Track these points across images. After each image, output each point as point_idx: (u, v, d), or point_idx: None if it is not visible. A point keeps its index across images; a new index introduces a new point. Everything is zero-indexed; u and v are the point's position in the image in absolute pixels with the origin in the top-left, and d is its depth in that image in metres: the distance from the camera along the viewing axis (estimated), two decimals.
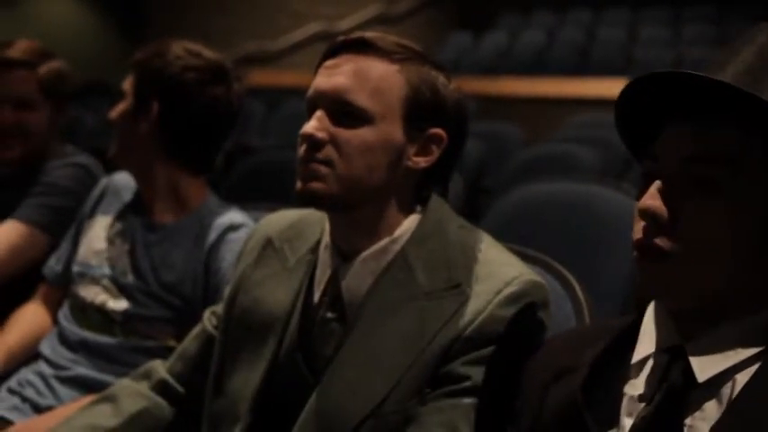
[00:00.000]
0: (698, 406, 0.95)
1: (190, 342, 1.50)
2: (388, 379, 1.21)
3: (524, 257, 1.36)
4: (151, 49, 1.87)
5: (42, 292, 2.06)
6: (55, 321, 1.97)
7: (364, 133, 1.25)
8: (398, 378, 1.20)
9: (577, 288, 1.45)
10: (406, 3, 11.24)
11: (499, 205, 2.44)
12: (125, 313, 1.82)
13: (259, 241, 1.44)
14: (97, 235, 1.93)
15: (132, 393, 1.47)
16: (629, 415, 1.00)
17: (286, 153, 3.36)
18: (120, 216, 1.93)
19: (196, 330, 1.51)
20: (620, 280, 2.04)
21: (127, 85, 1.87)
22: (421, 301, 1.23)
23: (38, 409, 1.81)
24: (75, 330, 1.86)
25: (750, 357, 0.95)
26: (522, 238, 1.62)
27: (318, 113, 1.26)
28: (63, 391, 1.82)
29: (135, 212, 1.92)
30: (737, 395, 0.93)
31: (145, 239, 1.87)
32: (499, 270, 1.25)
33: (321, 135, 1.25)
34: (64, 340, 1.88)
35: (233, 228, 1.82)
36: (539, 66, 8.82)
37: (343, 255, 1.30)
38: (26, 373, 1.89)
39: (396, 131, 1.27)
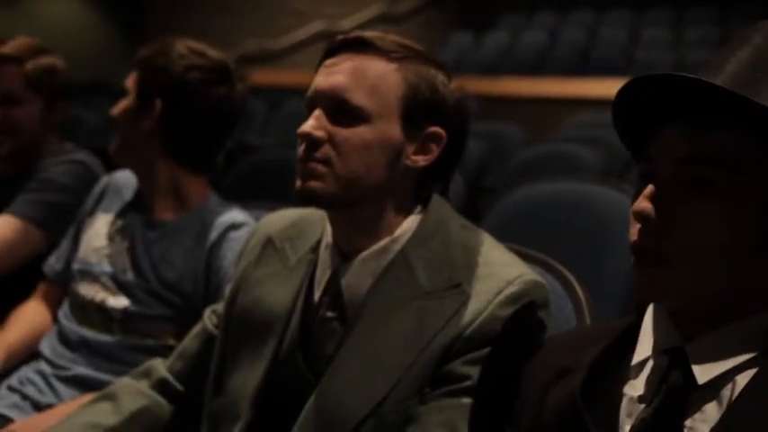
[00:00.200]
0: (698, 407, 0.95)
1: (190, 341, 1.50)
2: (388, 378, 1.20)
3: (525, 257, 1.36)
4: (155, 46, 1.87)
5: (42, 290, 2.06)
6: (55, 320, 1.97)
7: (362, 132, 1.25)
8: (399, 377, 1.20)
9: (578, 288, 1.45)
10: (407, 2, 11.24)
11: (500, 205, 2.44)
12: (125, 311, 1.82)
13: (260, 240, 1.44)
14: (97, 233, 1.93)
15: (132, 392, 1.47)
16: (629, 416, 1.00)
17: (287, 152, 3.36)
18: (121, 214, 1.93)
19: (197, 329, 1.51)
20: (620, 280, 2.04)
21: (130, 82, 1.87)
22: (422, 301, 1.23)
23: (38, 407, 1.80)
24: (75, 329, 1.86)
25: (750, 359, 0.95)
26: (522, 238, 1.61)
27: (316, 112, 1.27)
28: (63, 389, 1.82)
29: (135, 210, 1.92)
30: (738, 397, 0.93)
31: (145, 237, 1.87)
32: (500, 270, 1.25)
33: (319, 134, 1.25)
34: (63, 339, 1.88)
35: (234, 226, 1.81)
36: (540, 66, 8.82)
37: (344, 254, 1.30)
38: (27, 371, 1.89)
39: (394, 130, 1.27)
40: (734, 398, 0.93)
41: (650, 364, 1.01)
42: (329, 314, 1.30)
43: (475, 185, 4.12)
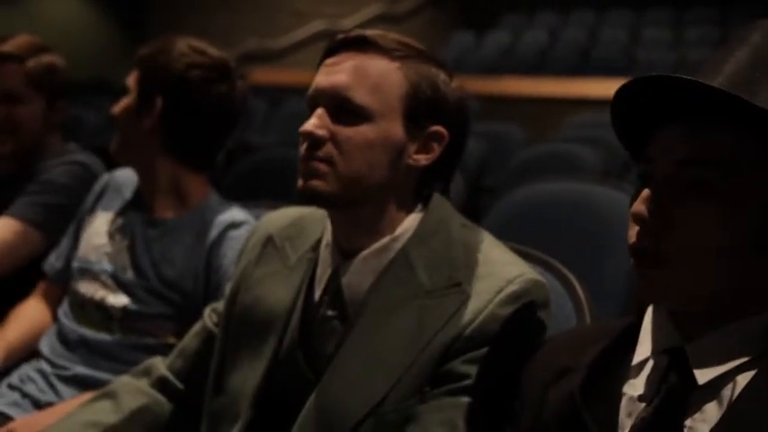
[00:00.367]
0: (698, 407, 0.95)
1: (190, 339, 1.50)
2: (388, 377, 1.20)
3: (525, 257, 1.36)
4: (156, 45, 1.87)
5: (42, 288, 2.06)
6: (55, 318, 1.97)
7: (364, 131, 1.25)
8: (399, 376, 1.20)
9: (578, 288, 1.45)
10: (408, 2, 11.25)
11: (500, 205, 2.44)
12: (124, 309, 1.82)
13: (260, 239, 1.44)
14: (97, 231, 1.93)
15: (132, 390, 1.47)
16: (629, 415, 1.00)
17: (287, 151, 3.36)
18: (122, 212, 1.93)
19: (197, 327, 1.51)
20: (621, 280, 2.04)
21: (131, 80, 1.87)
22: (422, 300, 1.23)
23: (38, 405, 1.80)
24: (74, 328, 1.86)
25: (750, 359, 0.95)
26: (522, 237, 1.61)
27: (319, 111, 1.26)
28: (63, 388, 1.82)
29: (136, 208, 1.92)
30: (738, 397, 0.93)
31: (145, 235, 1.87)
32: (501, 269, 1.24)
33: (321, 133, 1.25)
34: (63, 338, 1.88)
35: (234, 225, 1.81)
36: (541, 66, 8.83)
37: (344, 253, 1.30)
38: (27, 370, 1.89)
39: (396, 129, 1.27)
40: (734, 398, 0.93)
41: (650, 363, 1.01)
42: (329, 313, 1.30)
43: (475, 185, 4.13)
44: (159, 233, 1.86)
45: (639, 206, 0.97)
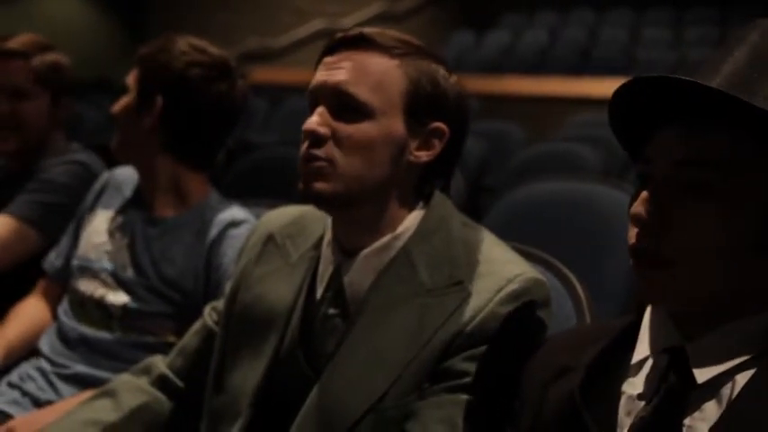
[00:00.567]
0: (697, 406, 0.95)
1: (190, 337, 1.50)
2: (388, 374, 1.21)
3: (525, 256, 1.36)
4: (156, 44, 1.87)
5: (42, 286, 2.06)
6: (54, 317, 1.97)
7: (366, 128, 1.25)
8: (399, 373, 1.20)
9: (578, 287, 1.45)
10: (408, 1, 11.25)
11: (501, 204, 2.44)
12: (124, 308, 1.82)
13: (261, 237, 1.44)
14: (97, 229, 1.93)
15: (132, 388, 1.47)
16: (628, 414, 1.00)
17: (287, 150, 3.36)
18: (122, 210, 1.93)
19: (197, 326, 1.51)
20: (621, 279, 2.04)
21: (131, 79, 1.87)
22: (423, 298, 1.23)
23: (38, 404, 1.81)
24: (74, 326, 1.86)
25: (750, 359, 0.95)
26: (523, 237, 1.61)
27: (320, 109, 1.26)
28: (63, 387, 1.82)
29: (136, 207, 1.92)
30: (737, 396, 0.93)
31: (145, 234, 1.87)
32: (501, 268, 1.25)
33: (323, 130, 1.25)
34: (62, 337, 1.88)
35: (234, 224, 1.81)
36: (541, 65, 8.83)
37: (345, 251, 1.30)
38: (26, 368, 1.89)
39: (397, 126, 1.27)
40: (733, 397, 0.93)
41: (650, 362, 1.01)
42: (331, 311, 1.30)
43: (476, 184, 4.13)
44: (159, 232, 1.86)
45: (639, 207, 0.97)
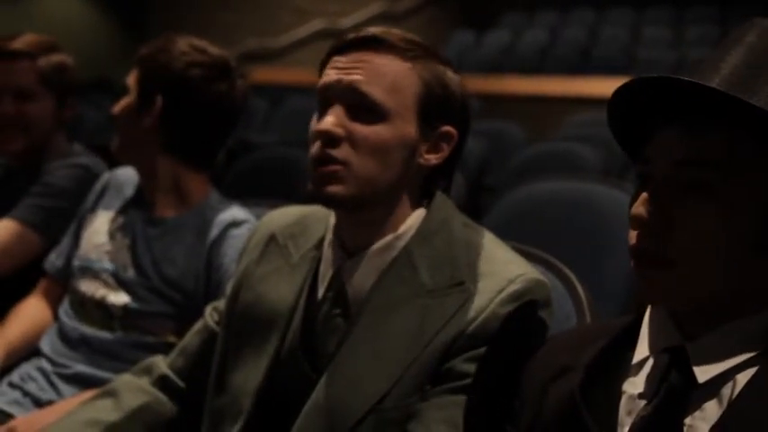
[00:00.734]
0: (698, 406, 0.95)
1: (191, 338, 1.50)
2: (390, 375, 1.21)
3: (526, 256, 1.35)
4: (156, 44, 1.87)
5: (43, 286, 2.06)
6: (55, 317, 1.97)
7: (381, 130, 1.24)
8: (400, 374, 1.20)
9: (578, 287, 1.45)
10: (408, 0, 11.24)
11: (501, 203, 2.44)
12: (125, 308, 1.82)
13: (262, 237, 1.44)
14: (98, 230, 1.93)
15: (133, 388, 1.47)
16: (629, 414, 1.00)
17: (288, 150, 3.36)
18: (122, 211, 1.93)
19: (198, 326, 1.51)
20: (621, 279, 2.04)
21: (131, 80, 1.87)
22: (424, 299, 1.23)
23: (39, 404, 1.81)
24: (75, 326, 1.86)
25: (750, 358, 0.95)
26: (523, 236, 1.62)
27: (336, 109, 1.25)
28: (64, 387, 1.82)
29: (136, 207, 1.92)
30: (738, 395, 0.93)
31: (146, 234, 1.87)
32: (503, 268, 1.25)
33: (339, 131, 1.24)
34: (63, 337, 1.88)
35: (235, 224, 1.82)
36: (541, 65, 8.83)
37: (348, 250, 1.30)
38: (28, 368, 1.89)
39: (410, 129, 1.27)
40: (734, 396, 0.93)
41: (650, 362, 1.01)
42: (332, 311, 1.30)
43: (476, 184, 4.12)
44: (160, 232, 1.86)
45: (639, 208, 0.97)
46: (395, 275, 1.26)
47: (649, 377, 1.01)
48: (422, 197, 1.32)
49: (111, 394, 1.46)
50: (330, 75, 1.27)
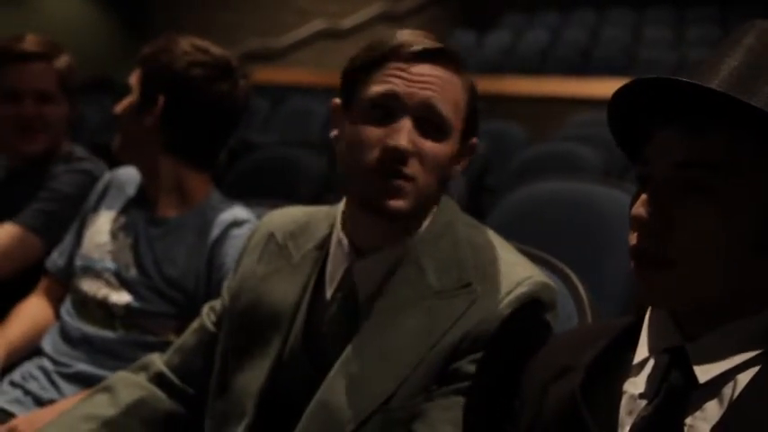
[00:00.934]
0: (698, 406, 0.95)
1: (188, 336, 1.50)
2: (397, 375, 1.21)
3: (527, 256, 1.36)
4: (158, 44, 1.87)
5: (44, 285, 2.06)
6: (57, 316, 1.97)
7: (444, 147, 1.25)
8: (407, 375, 1.21)
9: (579, 287, 1.45)
10: (409, 1, 11.24)
11: (502, 204, 2.44)
12: (127, 307, 1.82)
13: (262, 237, 1.44)
14: (100, 229, 1.94)
15: (130, 384, 1.47)
16: (630, 413, 1.00)
17: (289, 150, 3.37)
18: (124, 210, 1.94)
19: (194, 325, 1.51)
20: (622, 279, 2.04)
21: (133, 79, 1.87)
22: (431, 301, 1.24)
23: (40, 403, 1.81)
24: (77, 325, 1.86)
25: (751, 358, 0.95)
26: (524, 236, 1.62)
27: (406, 123, 1.23)
28: (65, 386, 1.82)
29: (138, 207, 1.92)
30: (738, 396, 0.93)
31: (148, 234, 1.87)
32: (510, 270, 1.25)
33: (411, 148, 1.22)
34: (65, 336, 1.88)
35: (236, 224, 1.82)
36: (542, 65, 8.82)
37: (358, 251, 1.30)
38: (29, 367, 1.89)
39: (456, 144, 1.28)
40: (735, 397, 0.94)
41: (651, 362, 1.02)
42: (341, 311, 1.30)
43: (477, 184, 4.12)
44: (162, 232, 1.86)
45: (639, 209, 0.98)
46: (403, 277, 1.26)
47: (650, 377, 1.01)
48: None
49: (108, 390, 1.47)
50: (398, 84, 1.24)
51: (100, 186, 2.03)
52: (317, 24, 10.45)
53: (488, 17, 11.01)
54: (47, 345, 1.90)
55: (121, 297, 1.83)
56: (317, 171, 3.16)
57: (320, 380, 1.26)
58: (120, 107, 1.89)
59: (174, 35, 1.88)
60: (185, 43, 1.85)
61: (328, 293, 1.31)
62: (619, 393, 1.02)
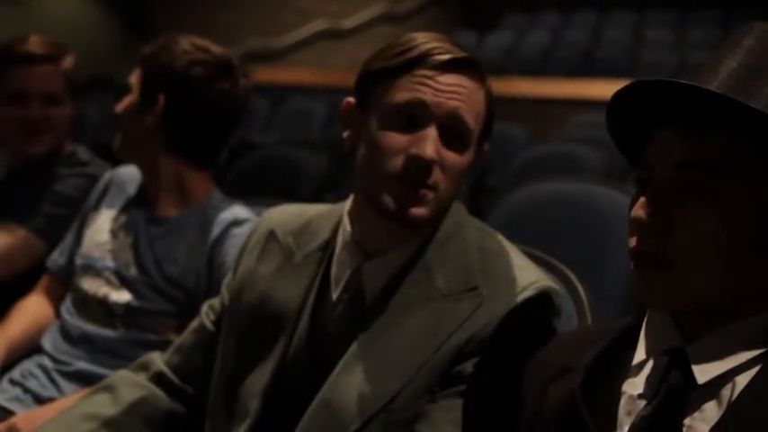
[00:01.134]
0: (697, 407, 0.95)
1: (187, 336, 1.50)
2: (401, 376, 1.21)
3: (527, 257, 1.36)
4: (159, 43, 1.87)
5: (45, 284, 2.06)
6: (57, 314, 1.97)
7: (465, 158, 1.26)
8: (411, 376, 1.21)
9: (580, 288, 1.46)
10: (410, 1, 11.24)
11: (503, 205, 2.44)
12: (127, 306, 1.82)
13: (262, 235, 1.44)
14: (101, 228, 1.94)
15: (130, 383, 1.47)
16: (629, 414, 1.00)
17: (289, 149, 3.37)
18: (125, 209, 1.94)
19: (194, 324, 1.51)
20: (622, 280, 2.04)
21: (133, 78, 1.88)
22: (438, 303, 1.24)
23: (39, 401, 1.81)
24: (77, 323, 1.87)
25: (751, 359, 0.95)
26: (524, 237, 1.61)
27: (431, 133, 1.23)
28: (65, 384, 1.82)
29: (139, 206, 1.92)
30: (737, 397, 0.93)
31: (148, 233, 1.87)
32: (516, 274, 1.25)
33: (437, 159, 1.23)
34: (65, 334, 1.88)
35: (237, 222, 1.82)
36: (543, 66, 8.82)
37: (366, 252, 1.30)
38: (29, 365, 1.89)
39: (473, 152, 1.29)
40: (734, 397, 0.94)
41: (650, 363, 1.02)
42: (348, 312, 1.30)
43: (478, 185, 4.13)
44: (162, 231, 1.87)
45: (639, 210, 0.98)
46: (410, 279, 1.26)
47: (649, 378, 1.01)
48: None
49: (109, 389, 1.47)
50: (426, 93, 1.23)
51: (100, 185, 2.03)
52: (317, 24, 10.45)
53: (489, 18, 11.01)
54: (47, 343, 1.90)
55: (122, 296, 1.83)
56: (317, 171, 3.17)
57: (324, 380, 1.26)
58: (120, 106, 1.89)
59: (175, 34, 1.88)
60: (185, 42, 1.85)
61: (334, 294, 1.31)
62: (618, 394, 1.02)
